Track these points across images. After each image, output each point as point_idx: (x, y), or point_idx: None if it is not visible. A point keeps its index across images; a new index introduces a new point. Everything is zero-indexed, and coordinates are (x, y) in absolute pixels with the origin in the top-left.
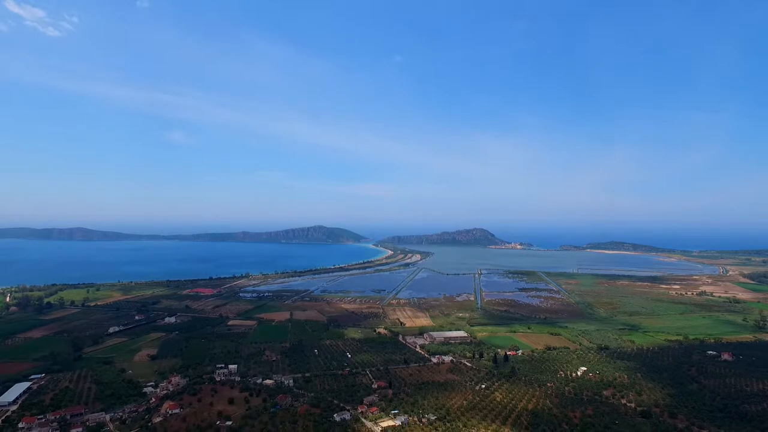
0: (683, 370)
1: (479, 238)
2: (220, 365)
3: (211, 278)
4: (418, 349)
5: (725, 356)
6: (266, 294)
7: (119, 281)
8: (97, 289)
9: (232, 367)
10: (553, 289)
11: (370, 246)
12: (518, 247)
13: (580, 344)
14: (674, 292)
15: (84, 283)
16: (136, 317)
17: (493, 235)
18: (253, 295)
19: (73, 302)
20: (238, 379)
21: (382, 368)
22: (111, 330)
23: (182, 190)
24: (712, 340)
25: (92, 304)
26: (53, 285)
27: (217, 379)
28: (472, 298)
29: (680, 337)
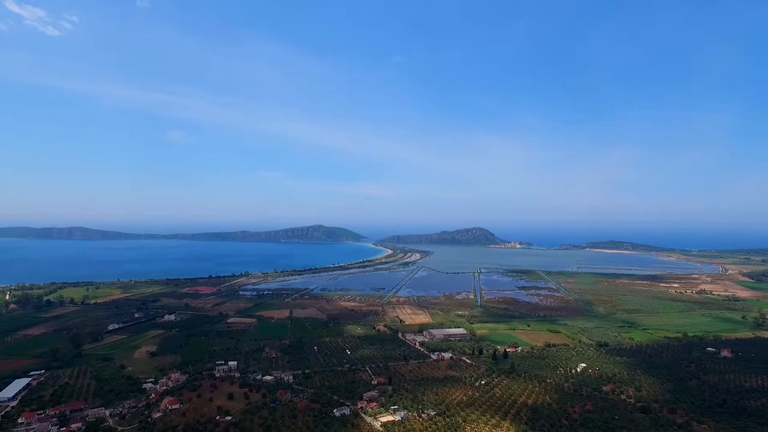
0: (683, 366)
1: (479, 237)
2: (219, 362)
3: (210, 276)
4: (417, 346)
5: (725, 353)
6: (266, 292)
7: (119, 279)
8: (97, 288)
9: (232, 363)
10: (552, 288)
11: (370, 245)
12: (518, 246)
13: (580, 341)
14: (674, 291)
15: (84, 282)
16: (136, 315)
17: (492, 235)
18: (253, 293)
19: (72, 300)
20: (237, 375)
21: (381, 365)
22: (110, 327)
23: (182, 190)
24: (712, 337)
25: (92, 301)
26: (53, 283)
27: (217, 375)
28: (472, 296)
29: (680, 334)
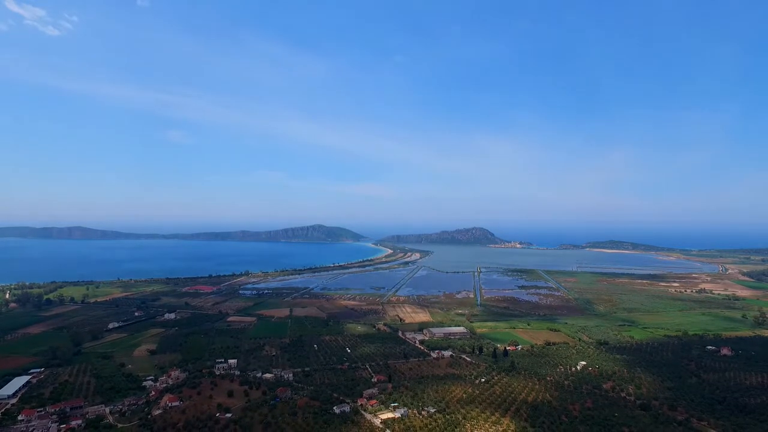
0: (682, 364)
1: (479, 237)
2: (220, 360)
3: (210, 276)
4: (417, 344)
5: (724, 351)
6: (266, 291)
7: (119, 279)
8: (97, 287)
9: (232, 361)
10: (552, 287)
11: (370, 245)
12: (518, 246)
13: (580, 339)
14: (673, 290)
15: (84, 281)
16: (136, 314)
17: (492, 234)
18: (253, 292)
19: (72, 299)
20: (237, 373)
21: (381, 363)
22: (110, 326)
23: (182, 189)
24: (712, 336)
25: (92, 300)
26: (53, 282)
27: (217, 373)
28: (472, 295)
29: (680, 333)
